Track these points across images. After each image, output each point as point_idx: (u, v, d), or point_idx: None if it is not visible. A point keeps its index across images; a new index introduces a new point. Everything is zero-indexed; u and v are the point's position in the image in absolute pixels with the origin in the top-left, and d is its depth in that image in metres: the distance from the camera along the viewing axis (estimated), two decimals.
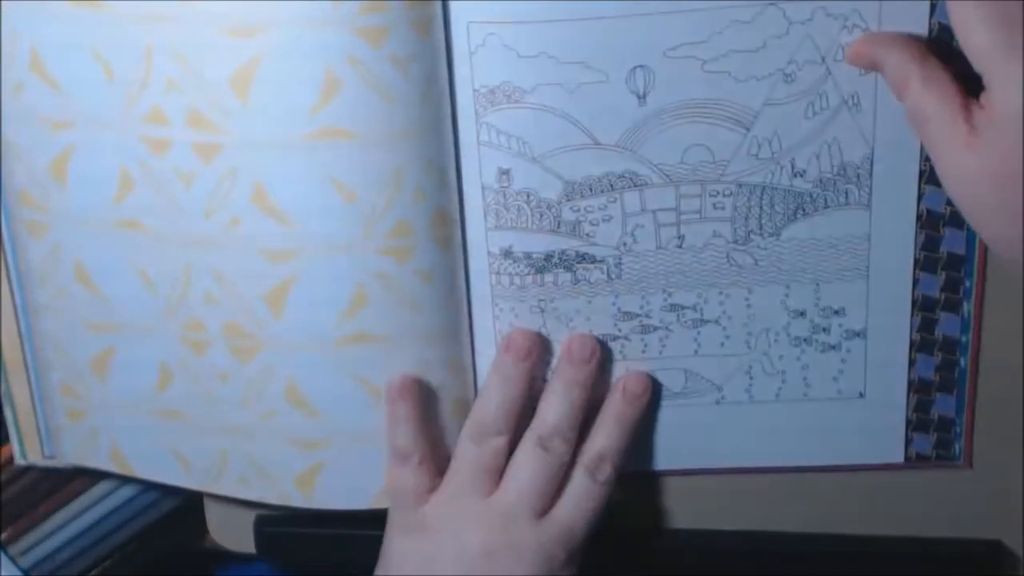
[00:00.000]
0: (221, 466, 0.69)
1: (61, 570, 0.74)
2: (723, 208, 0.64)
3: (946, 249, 0.65)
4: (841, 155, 0.63)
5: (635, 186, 0.64)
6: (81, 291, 0.67)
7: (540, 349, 0.67)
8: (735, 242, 0.65)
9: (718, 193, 0.64)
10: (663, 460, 0.70)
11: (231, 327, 0.66)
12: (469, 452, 0.66)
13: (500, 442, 0.66)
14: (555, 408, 0.66)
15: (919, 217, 0.64)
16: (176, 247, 0.65)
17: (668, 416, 0.69)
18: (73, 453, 0.72)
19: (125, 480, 0.73)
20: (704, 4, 0.60)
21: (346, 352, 0.65)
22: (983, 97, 0.55)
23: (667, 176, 0.64)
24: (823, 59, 0.61)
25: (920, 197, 0.64)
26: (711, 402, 0.68)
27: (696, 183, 0.64)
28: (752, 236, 0.65)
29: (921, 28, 0.60)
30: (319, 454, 0.67)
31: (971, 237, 0.64)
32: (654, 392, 0.68)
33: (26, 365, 0.70)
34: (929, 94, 0.56)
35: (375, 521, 0.68)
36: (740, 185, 0.64)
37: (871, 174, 0.63)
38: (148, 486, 0.73)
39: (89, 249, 0.66)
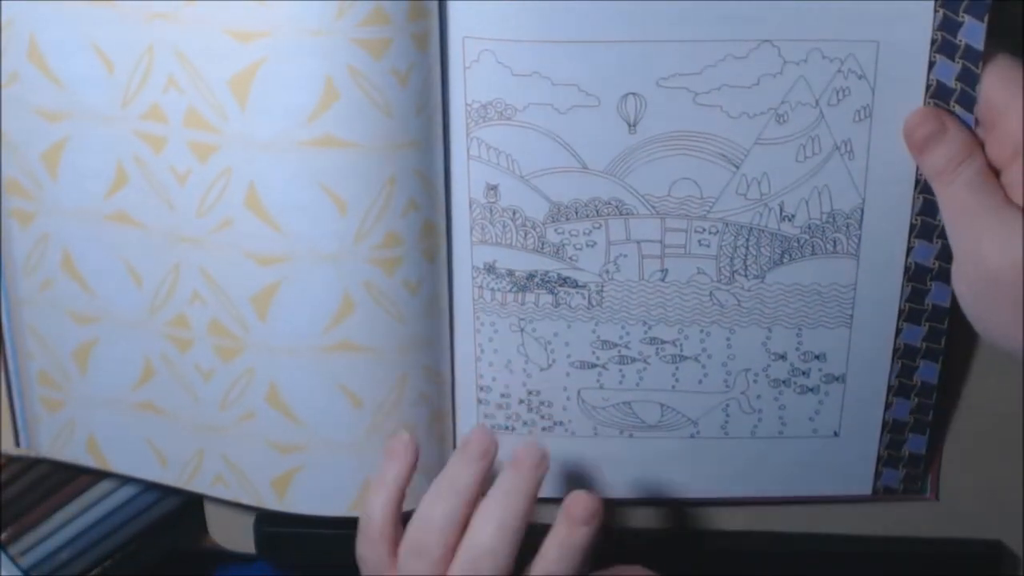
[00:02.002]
0: (197, 464, 0.68)
1: (61, 570, 0.73)
2: (708, 246, 0.64)
3: (931, 301, 0.64)
4: (831, 202, 0.62)
5: (621, 214, 0.63)
6: (68, 281, 0.67)
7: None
8: (719, 281, 0.64)
9: (704, 230, 0.63)
10: (637, 490, 0.69)
11: (216, 327, 0.65)
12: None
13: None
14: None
15: (907, 270, 0.63)
16: (166, 244, 0.64)
17: (643, 448, 0.68)
18: (48, 445, 0.71)
19: (124, 480, 0.73)
20: (699, 36, 0.59)
21: (329, 359, 0.64)
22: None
23: (653, 207, 0.63)
24: (817, 102, 0.60)
25: (909, 250, 0.63)
26: (686, 435, 0.67)
27: (682, 217, 0.63)
28: (736, 276, 0.64)
29: (918, 77, 0.59)
30: (296, 458, 0.67)
31: None
32: (632, 425, 0.67)
33: (4, 355, 0.70)
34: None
35: None
36: (727, 224, 0.63)
37: (861, 224, 0.63)
38: (147, 486, 0.73)
39: (78, 240, 0.66)
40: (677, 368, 0.66)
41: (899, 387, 0.66)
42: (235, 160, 0.62)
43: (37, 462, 0.73)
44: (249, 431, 0.67)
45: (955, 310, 0.62)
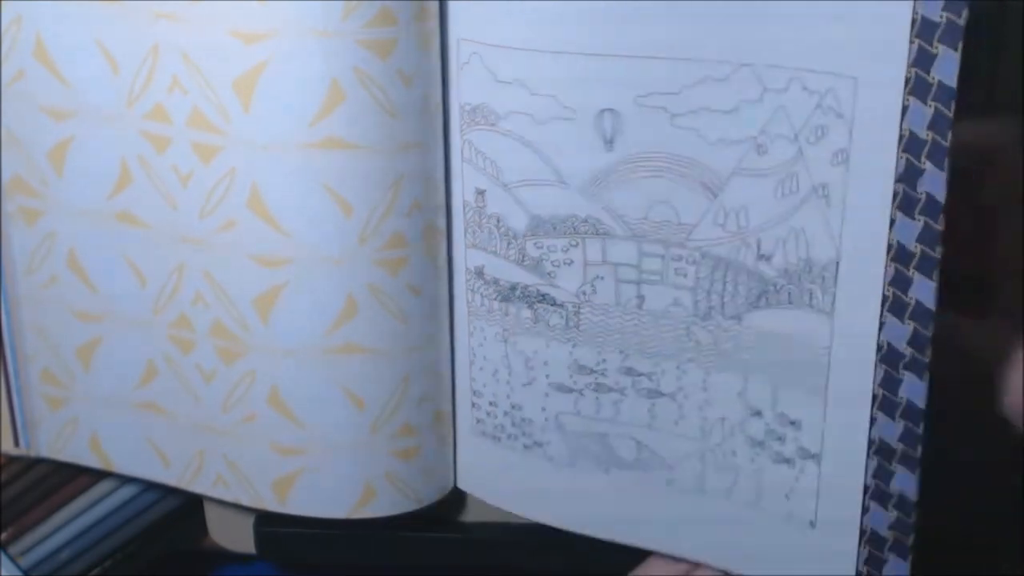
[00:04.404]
0: (199, 465, 0.67)
1: (61, 570, 0.72)
2: (685, 275, 0.59)
3: (905, 396, 0.56)
4: (808, 249, 0.56)
5: (598, 234, 0.59)
6: (73, 279, 0.66)
7: None
8: (696, 315, 0.59)
9: (681, 258, 0.58)
10: (611, 531, 0.65)
11: (218, 328, 0.64)
12: None
13: None
14: None
15: (879, 349, 0.56)
16: (170, 245, 0.63)
17: (619, 487, 0.64)
18: (49, 445, 0.70)
19: (124, 480, 0.72)
20: (676, 54, 0.56)
21: (332, 362, 0.63)
22: None
23: (630, 230, 0.59)
24: (796, 136, 0.55)
25: (881, 326, 0.55)
26: (662, 481, 0.63)
27: (659, 243, 0.58)
28: (713, 313, 0.59)
29: (892, 122, 0.54)
30: (298, 460, 0.65)
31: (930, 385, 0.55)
32: (608, 459, 0.64)
33: (3, 354, 0.69)
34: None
35: (374, 522, 0.67)
36: (704, 255, 0.58)
37: (836, 281, 0.56)
38: (147, 486, 0.72)
39: (84, 239, 0.65)
40: (653, 404, 0.62)
41: (876, 491, 0.58)
42: (239, 161, 0.60)
43: (37, 462, 0.71)
44: (251, 433, 0.66)
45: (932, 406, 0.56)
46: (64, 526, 0.73)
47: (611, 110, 0.57)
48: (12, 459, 0.72)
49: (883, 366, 0.56)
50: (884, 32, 0.52)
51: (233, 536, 0.73)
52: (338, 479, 0.66)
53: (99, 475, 0.72)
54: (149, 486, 0.72)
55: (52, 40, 0.62)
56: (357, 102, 0.58)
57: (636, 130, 0.57)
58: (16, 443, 0.71)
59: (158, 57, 0.60)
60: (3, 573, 0.71)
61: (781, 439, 0.60)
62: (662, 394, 0.62)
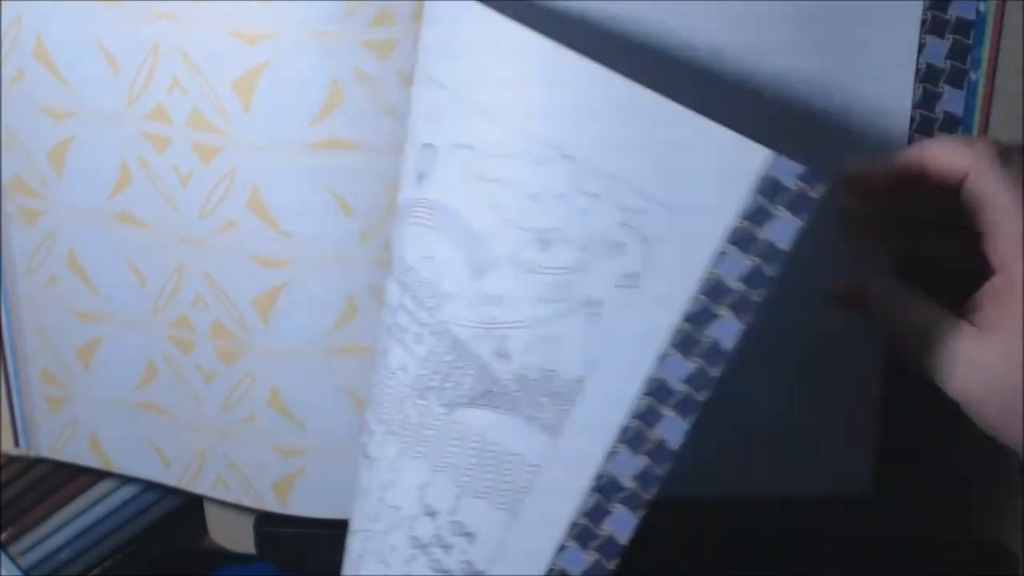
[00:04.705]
0: (199, 465, 0.67)
1: (61, 570, 0.72)
2: (421, 343, 0.53)
3: (610, 529, 0.52)
4: (555, 360, 0.51)
5: (381, 266, 0.55)
6: (73, 279, 0.66)
7: None
8: (414, 389, 0.54)
9: (425, 325, 0.53)
10: None
11: (218, 329, 0.64)
12: None
13: None
14: None
15: (598, 479, 0.52)
16: (170, 245, 0.63)
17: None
18: (49, 445, 0.70)
19: (124, 480, 0.71)
20: (501, 116, 0.50)
21: (333, 362, 0.63)
22: (988, 292, 0.53)
23: (402, 275, 0.54)
24: (586, 248, 0.50)
25: (612, 455, 0.51)
26: (349, 552, 0.59)
27: (414, 300, 0.53)
28: (429, 394, 0.53)
29: (702, 253, 0.49)
30: (298, 461, 0.65)
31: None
32: None
33: (3, 354, 0.69)
34: (920, 307, 0.54)
35: None
36: (446, 330, 0.52)
37: (574, 401, 0.51)
38: (147, 486, 0.72)
39: (84, 239, 0.65)
40: (360, 463, 0.57)
41: None
42: (239, 162, 0.60)
43: (37, 462, 0.71)
44: (251, 434, 0.65)
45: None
46: (64, 526, 0.72)
47: (431, 145, 0.53)
48: (12, 459, 0.72)
49: (596, 495, 0.52)
50: (722, 170, 0.49)
51: (233, 536, 0.73)
52: (339, 480, 0.65)
53: (99, 475, 0.72)
54: (149, 486, 0.72)
55: (52, 40, 0.62)
56: (357, 102, 0.58)
57: (442, 175, 0.52)
58: (16, 443, 0.71)
59: (158, 57, 0.60)
60: (3, 573, 0.71)
61: (447, 548, 0.55)
62: (367, 456, 0.57)
